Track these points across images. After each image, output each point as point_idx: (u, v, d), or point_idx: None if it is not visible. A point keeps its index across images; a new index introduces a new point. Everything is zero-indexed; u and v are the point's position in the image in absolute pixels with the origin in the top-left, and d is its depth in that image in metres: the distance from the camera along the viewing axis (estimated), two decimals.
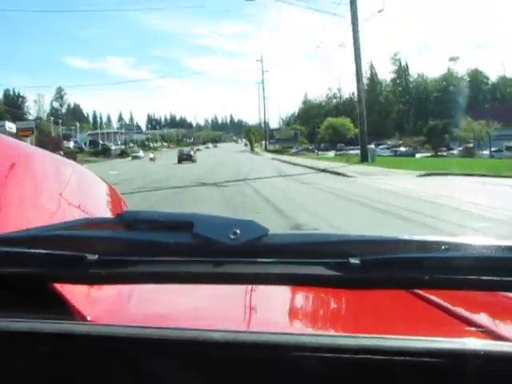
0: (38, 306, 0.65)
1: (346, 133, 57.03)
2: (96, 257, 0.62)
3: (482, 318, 0.72)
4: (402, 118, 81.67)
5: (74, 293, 0.70)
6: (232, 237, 0.62)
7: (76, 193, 1.23)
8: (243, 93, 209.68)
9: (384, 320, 0.77)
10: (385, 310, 0.82)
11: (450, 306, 0.76)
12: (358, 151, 29.92)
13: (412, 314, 0.82)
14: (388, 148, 55.05)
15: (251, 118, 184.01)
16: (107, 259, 0.63)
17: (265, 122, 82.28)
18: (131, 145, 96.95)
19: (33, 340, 0.57)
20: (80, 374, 0.57)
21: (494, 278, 0.59)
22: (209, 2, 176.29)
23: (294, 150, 62.32)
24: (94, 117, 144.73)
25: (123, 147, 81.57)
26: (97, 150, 71.51)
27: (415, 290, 0.79)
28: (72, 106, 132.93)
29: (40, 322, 0.58)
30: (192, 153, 46.65)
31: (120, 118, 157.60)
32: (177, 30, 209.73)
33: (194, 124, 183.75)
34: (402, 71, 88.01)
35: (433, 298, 0.78)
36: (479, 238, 0.63)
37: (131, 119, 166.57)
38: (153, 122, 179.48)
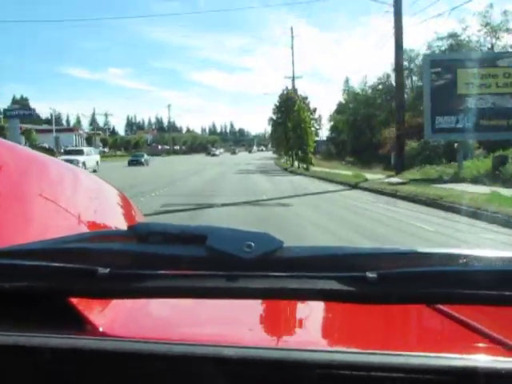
0: (49, 319, 0.64)
1: None
2: (108, 270, 0.61)
3: (504, 334, 0.68)
4: None
5: (86, 306, 0.69)
6: (246, 250, 0.60)
7: (90, 202, 1.25)
8: (244, 106, 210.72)
9: (400, 335, 0.75)
10: (402, 325, 0.79)
11: (470, 321, 0.73)
12: None
13: (430, 329, 0.79)
14: None
15: (255, 129, 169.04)
16: (119, 273, 0.61)
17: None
18: None
19: (43, 354, 0.57)
20: None
21: None
22: (210, 15, 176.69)
23: None
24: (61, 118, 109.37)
25: None
26: None
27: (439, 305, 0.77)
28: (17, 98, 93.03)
29: (51, 337, 0.58)
30: None
31: (92, 121, 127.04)
32: (178, 43, 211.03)
33: (185, 130, 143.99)
34: None
35: (452, 312, 0.75)
36: (498, 251, 0.61)
37: (106, 122, 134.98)
38: (133, 127, 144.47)
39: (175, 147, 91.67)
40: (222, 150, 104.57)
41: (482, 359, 0.54)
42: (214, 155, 78.94)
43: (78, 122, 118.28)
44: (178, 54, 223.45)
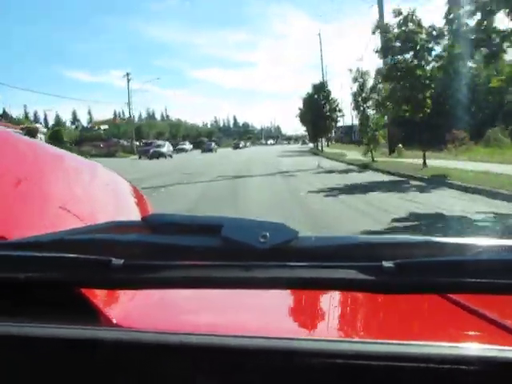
0: (63, 311, 0.64)
1: None
2: (122, 261, 0.60)
3: None
4: None
5: (100, 297, 0.69)
6: (261, 240, 0.60)
7: (103, 194, 1.27)
8: (248, 101, 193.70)
9: (413, 325, 0.74)
10: (416, 315, 0.78)
11: (483, 311, 0.72)
12: None
13: (443, 318, 0.78)
14: None
15: (262, 123, 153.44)
16: (133, 264, 0.61)
17: None
18: None
19: (56, 346, 0.57)
20: (104, 379, 0.57)
21: None
22: (209, 12, 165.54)
23: None
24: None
25: None
26: None
27: (451, 295, 0.75)
28: None
29: (65, 328, 0.58)
30: None
31: (74, 119, 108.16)
32: (178, 41, 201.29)
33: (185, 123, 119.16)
34: None
35: (466, 302, 0.74)
36: None
37: (90, 119, 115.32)
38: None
39: (148, 141, 62.95)
40: (188, 146, 62.74)
41: (494, 349, 0.53)
42: (158, 156, 39.48)
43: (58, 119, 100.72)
44: (179, 52, 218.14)
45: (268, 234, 0.60)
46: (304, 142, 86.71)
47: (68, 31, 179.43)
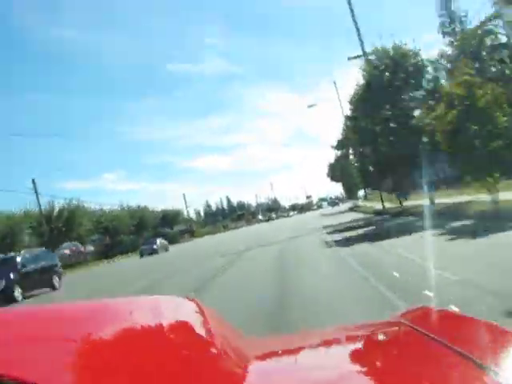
0: None
1: None
2: None
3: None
4: None
5: None
6: None
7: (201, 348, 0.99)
8: (241, 183, 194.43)
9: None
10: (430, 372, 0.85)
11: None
12: None
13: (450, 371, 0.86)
14: None
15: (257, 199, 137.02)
16: None
17: None
18: None
19: None
20: None
21: None
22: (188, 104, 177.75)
23: None
24: None
25: None
26: None
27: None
28: None
29: None
30: None
31: None
32: (163, 137, 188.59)
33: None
34: None
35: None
36: None
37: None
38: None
39: None
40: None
41: None
42: None
43: None
44: (166, 147, 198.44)
45: None
46: (334, 203, 66.67)
47: (54, 142, 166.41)
